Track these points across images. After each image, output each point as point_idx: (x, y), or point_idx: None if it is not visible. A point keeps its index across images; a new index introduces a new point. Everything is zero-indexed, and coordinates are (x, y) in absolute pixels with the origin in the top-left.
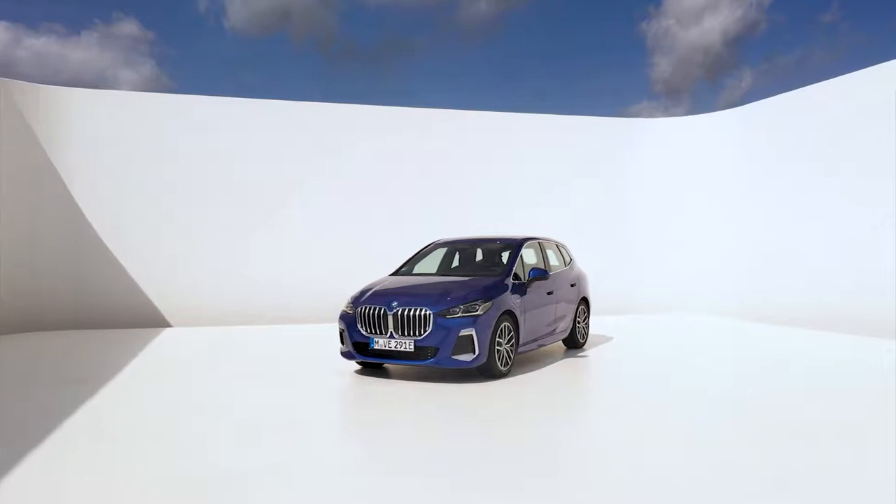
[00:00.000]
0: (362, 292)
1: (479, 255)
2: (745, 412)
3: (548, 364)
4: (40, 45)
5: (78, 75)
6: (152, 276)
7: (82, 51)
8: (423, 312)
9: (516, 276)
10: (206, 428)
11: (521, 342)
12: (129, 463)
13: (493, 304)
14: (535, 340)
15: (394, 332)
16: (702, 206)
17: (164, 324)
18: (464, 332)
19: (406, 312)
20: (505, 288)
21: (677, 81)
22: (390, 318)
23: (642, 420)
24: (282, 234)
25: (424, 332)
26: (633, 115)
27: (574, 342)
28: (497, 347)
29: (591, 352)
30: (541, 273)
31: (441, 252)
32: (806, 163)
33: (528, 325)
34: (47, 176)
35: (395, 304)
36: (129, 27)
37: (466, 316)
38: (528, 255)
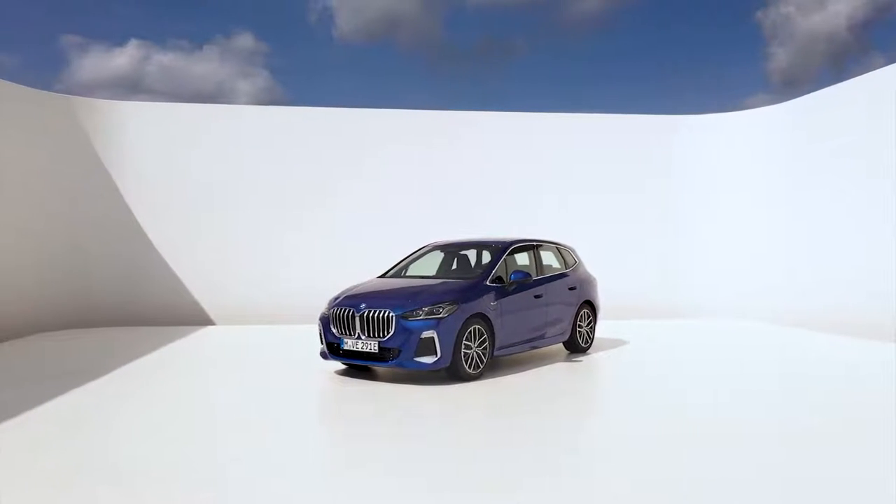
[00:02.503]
0: (339, 294)
1: (468, 258)
2: (713, 421)
3: (533, 367)
4: (167, 60)
5: (199, 88)
6: (197, 277)
7: (204, 64)
8: (386, 314)
9: (500, 280)
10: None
11: (498, 345)
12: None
13: (458, 306)
14: (518, 344)
15: (360, 334)
16: (743, 207)
17: (208, 322)
18: (425, 335)
19: (371, 314)
20: (479, 291)
21: (797, 71)
22: (357, 320)
23: (593, 427)
24: (319, 236)
25: (388, 333)
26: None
27: (575, 346)
28: (465, 350)
29: (591, 356)
30: (523, 276)
31: (433, 254)
32: (852, 161)
33: (508, 329)
34: (103, 184)
35: (363, 306)
36: (245, 40)
37: (429, 318)
38: (522, 258)
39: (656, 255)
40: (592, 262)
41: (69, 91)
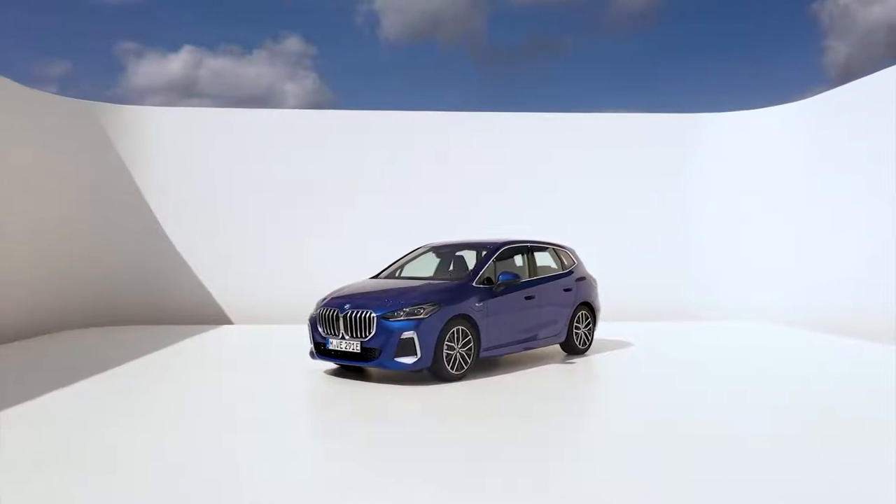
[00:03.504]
0: (327, 295)
1: (459, 259)
2: (696, 422)
3: (523, 369)
4: (218, 65)
5: (249, 91)
6: (216, 278)
7: (254, 68)
8: (368, 315)
9: (488, 281)
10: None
11: (484, 346)
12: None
13: (439, 307)
14: (506, 345)
15: (344, 334)
16: (761, 207)
17: (226, 321)
18: (405, 335)
19: (354, 315)
20: (464, 292)
21: (856, 65)
22: (341, 321)
23: (571, 429)
24: (334, 237)
25: (370, 334)
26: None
27: (572, 347)
28: (448, 351)
29: (587, 358)
30: (511, 277)
31: (426, 256)
32: (874, 161)
33: (495, 330)
34: (126, 186)
35: (347, 306)
36: (293, 44)
37: (410, 319)
38: (518, 260)
39: (672, 256)
40: (607, 263)
41: (125, 96)
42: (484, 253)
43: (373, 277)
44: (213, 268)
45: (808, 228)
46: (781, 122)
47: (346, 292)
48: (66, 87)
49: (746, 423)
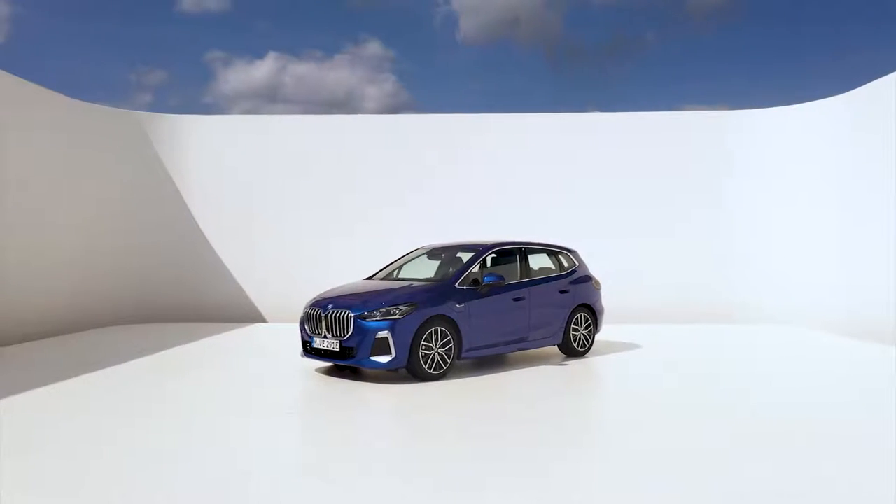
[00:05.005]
0: (317, 296)
1: (448, 261)
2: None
3: (510, 370)
4: (302, 70)
5: (330, 95)
6: (250, 277)
7: (335, 72)
8: (346, 315)
9: (476, 282)
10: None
11: (466, 347)
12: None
13: (415, 308)
14: (492, 346)
15: (326, 333)
16: (810, 208)
17: (260, 319)
18: (380, 335)
19: (334, 315)
20: (445, 293)
21: None
22: (323, 320)
23: (528, 431)
24: (367, 238)
25: (347, 333)
26: None
27: (569, 349)
28: (426, 351)
29: (581, 360)
30: (496, 279)
31: (420, 257)
32: None
33: (478, 331)
34: (167, 191)
35: (329, 306)
36: (373, 48)
37: (385, 319)
38: (512, 260)
39: (709, 258)
40: (644, 264)
41: (215, 104)
42: (470, 255)
43: (367, 279)
44: (247, 267)
45: (849, 230)
46: (825, 118)
47: (332, 293)
48: (162, 95)
49: (718, 433)
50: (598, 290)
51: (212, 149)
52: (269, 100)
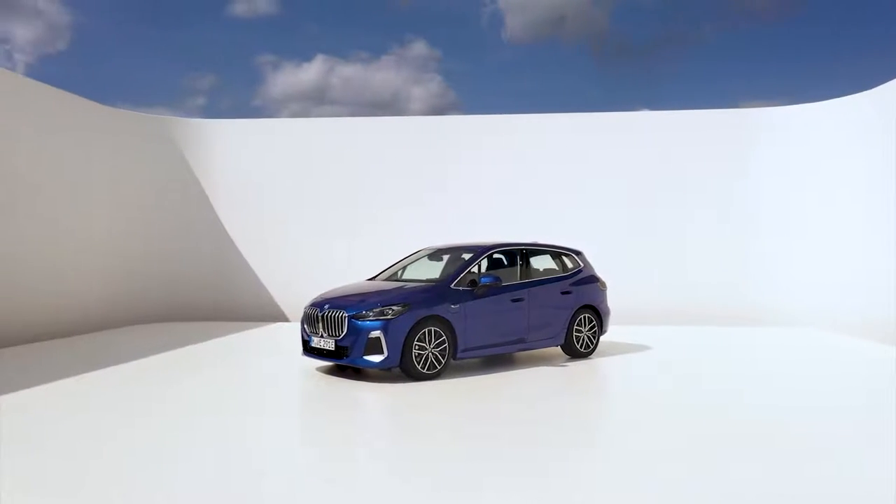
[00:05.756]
0: (318, 296)
1: (452, 262)
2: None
3: (507, 370)
4: (349, 71)
5: (376, 96)
6: (273, 278)
7: (382, 73)
8: (340, 315)
9: (472, 283)
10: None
11: (462, 347)
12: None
13: (408, 308)
14: (489, 346)
15: (323, 332)
16: (828, 208)
17: (283, 319)
18: (373, 334)
19: (330, 315)
20: (440, 294)
21: None
22: (320, 320)
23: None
24: (381, 239)
25: (342, 332)
26: None
27: (572, 350)
28: (419, 351)
29: (583, 361)
30: (492, 280)
31: (423, 258)
32: None
33: (474, 332)
34: (195, 194)
35: (326, 306)
36: (419, 48)
37: (378, 319)
38: (512, 261)
39: (727, 258)
40: (661, 265)
41: (264, 106)
42: (469, 256)
43: (369, 279)
44: (271, 268)
45: (871, 230)
46: (849, 115)
47: (331, 293)
48: (213, 99)
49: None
50: (604, 291)
51: (237, 152)
52: (317, 102)
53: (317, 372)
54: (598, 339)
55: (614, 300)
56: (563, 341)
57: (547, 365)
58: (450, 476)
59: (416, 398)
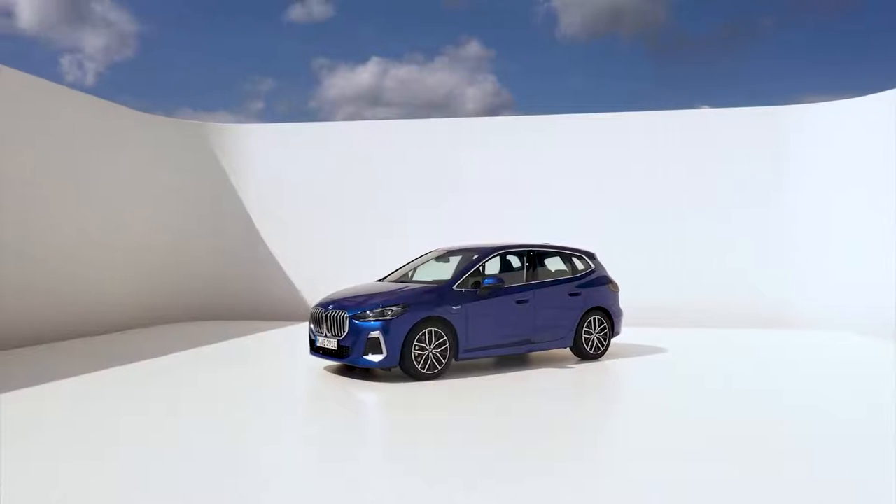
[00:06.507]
0: (326, 296)
1: (454, 264)
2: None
3: (511, 371)
4: (403, 73)
5: (430, 97)
6: (304, 278)
7: (435, 75)
8: (342, 315)
9: (476, 285)
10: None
11: (464, 348)
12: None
13: (408, 309)
14: (492, 347)
15: (327, 332)
16: (865, 206)
17: None
18: (372, 335)
19: (333, 315)
20: (441, 295)
21: None
22: (324, 320)
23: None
24: (407, 240)
25: (344, 332)
26: None
27: (582, 352)
28: (420, 351)
29: (592, 364)
30: (495, 282)
31: (431, 260)
32: None
33: (476, 333)
34: (230, 197)
35: (330, 307)
36: (472, 48)
37: (378, 320)
38: (519, 263)
39: (755, 260)
40: (688, 266)
41: (320, 109)
42: (473, 258)
43: (379, 280)
44: (301, 268)
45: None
46: (886, 110)
47: (338, 294)
48: (272, 102)
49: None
50: (616, 293)
51: (269, 156)
52: (371, 103)
53: (324, 371)
54: (609, 341)
55: (645, 303)
56: (571, 343)
57: (553, 366)
58: (449, 475)
59: (415, 398)
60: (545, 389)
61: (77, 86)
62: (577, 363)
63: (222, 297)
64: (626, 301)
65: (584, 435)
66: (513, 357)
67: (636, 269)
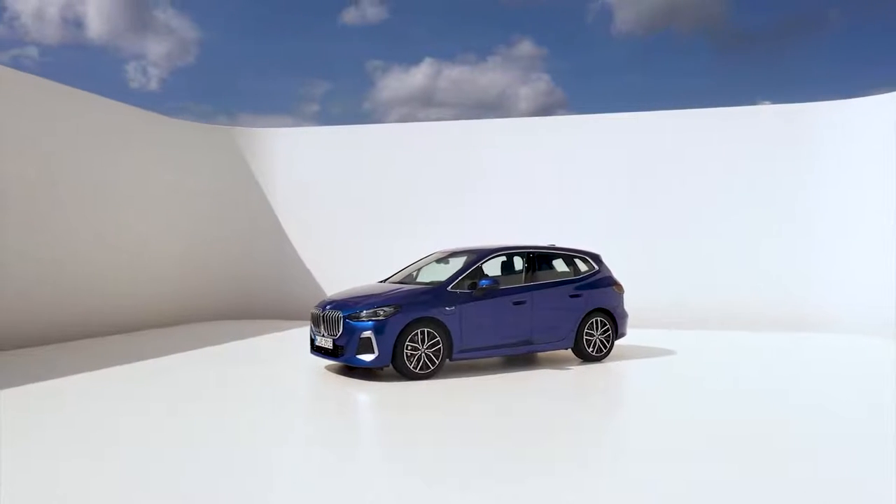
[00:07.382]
0: (326, 297)
1: (453, 265)
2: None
3: (506, 372)
4: (456, 74)
5: (483, 97)
6: (329, 279)
7: (488, 74)
8: (336, 316)
9: (472, 286)
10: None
11: (458, 349)
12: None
13: (399, 310)
14: (488, 348)
15: (324, 332)
16: (885, 206)
17: None
18: (364, 335)
19: (329, 315)
20: (435, 296)
21: None
22: (322, 320)
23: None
24: (431, 241)
25: (338, 332)
26: None
27: (583, 353)
28: (412, 351)
29: (592, 366)
30: (490, 283)
31: (441, 260)
32: None
33: (471, 333)
34: (258, 200)
35: (328, 307)
36: (525, 47)
37: (370, 320)
38: (519, 264)
39: (776, 261)
40: (709, 267)
41: (374, 110)
42: (470, 259)
43: (381, 281)
44: (326, 269)
45: None
46: None
47: (337, 295)
48: (327, 105)
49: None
50: (620, 294)
51: (295, 160)
52: (424, 104)
53: (325, 371)
54: (613, 342)
55: (670, 303)
56: (572, 344)
57: (554, 367)
58: (446, 475)
59: (415, 398)
60: (546, 390)
61: (141, 92)
62: (578, 364)
63: (250, 296)
64: (651, 301)
65: (586, 435)
66: (515, 358)
67: (670, 268)
